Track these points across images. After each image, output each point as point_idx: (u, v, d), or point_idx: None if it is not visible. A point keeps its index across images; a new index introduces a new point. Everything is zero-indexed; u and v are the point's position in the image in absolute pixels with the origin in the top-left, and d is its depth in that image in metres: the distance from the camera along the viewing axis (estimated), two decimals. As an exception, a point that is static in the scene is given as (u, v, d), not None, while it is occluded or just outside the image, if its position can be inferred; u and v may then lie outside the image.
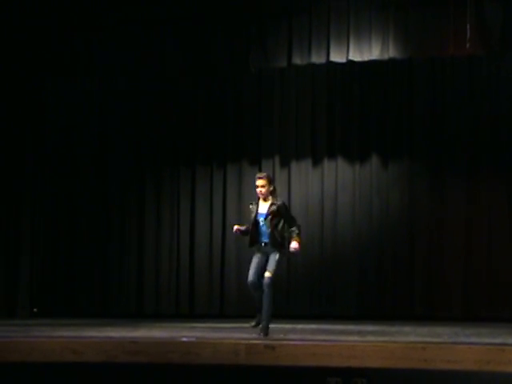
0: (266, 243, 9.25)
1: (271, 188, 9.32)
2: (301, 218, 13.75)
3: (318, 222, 13.77)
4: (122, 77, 13.78)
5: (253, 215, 9.30)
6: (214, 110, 14.36)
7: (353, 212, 13.73)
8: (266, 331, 9.12)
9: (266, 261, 9.24)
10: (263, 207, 9.30)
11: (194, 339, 8.57)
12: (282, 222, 9.30)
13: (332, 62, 12.34)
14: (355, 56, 12.07)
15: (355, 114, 13.86)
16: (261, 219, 9.26)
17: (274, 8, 12.45)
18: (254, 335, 9.13)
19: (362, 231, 13.66)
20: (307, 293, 13.68)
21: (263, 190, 9.26)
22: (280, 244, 9.27)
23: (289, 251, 9.31)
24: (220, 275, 14.09)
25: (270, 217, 9.22)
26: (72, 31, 13.05)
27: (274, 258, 9.18)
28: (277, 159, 14.10)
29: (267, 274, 9.10)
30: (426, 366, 7.47)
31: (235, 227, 9.58)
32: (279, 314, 10.24)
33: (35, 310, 14.29)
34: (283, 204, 9.37)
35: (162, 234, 14.41)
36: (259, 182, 9.30)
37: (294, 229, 9.29)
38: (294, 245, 9.20)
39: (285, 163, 14.08)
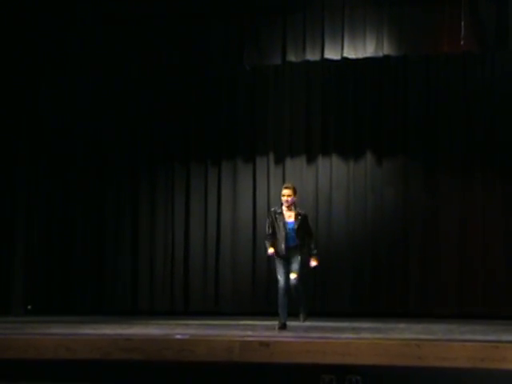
0: (290, 248, 9.83)
1: (295, 198, 9.98)
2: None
3: (312, 220, 13.68)
4: (116, 75, 13.76)
5: (281, 223, 9.88)
6: (208, 108, 14.36)
7: (347, 209, 13.74)
8: (306, 317, 10.20)
9: (288, 264, 9.89)
10: (288, 215, 9.93)
11: (188, 336, 8.57)
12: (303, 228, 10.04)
13: (326, 60, 12.36)
14: (350, 53, 12.10)
15: (349, 111, 13.87)
16: (289, 227, 9.88)
17: (268, 5, 12.45)
18: (248, 332, 9.14)
19: (357, 228, 13.67)
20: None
21: (289, 198, 9.91)
22: (302, 247, 9.98)
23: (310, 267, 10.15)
24: (215, 272, 14.09)
25: (298, 225, 9.90)
26: (65, 28, 13.05)
27: (298, 260, 9.85)
28: (271, 156, 14.11)
29: (293, 276, 9.82)
30: (420, 364, 7.47)
31: (271, 251, 9.98)
32: (274, 312, 10.26)
33: (29, 307, 14.29)
34: (306, 215, 10.13)
35: (156, 231, 14.41)
36: (286, 192, 9.95)
37: (312, 246, 10.09)
38: (313, 263, 10.04)
39: (279, 160, 14.08)
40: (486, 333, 9.46)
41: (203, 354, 7.90)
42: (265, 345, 7.81)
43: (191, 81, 14.33)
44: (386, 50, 12.01)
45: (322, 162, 13.93)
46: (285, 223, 9.85)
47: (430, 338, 8.52)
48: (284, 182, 13.93)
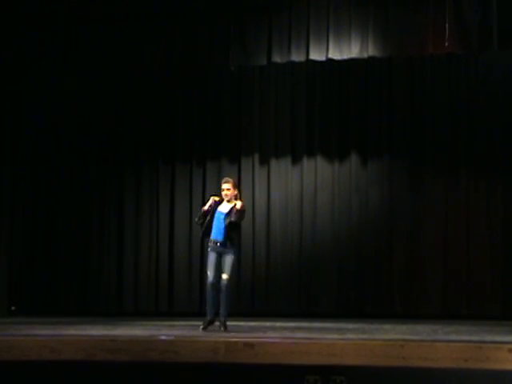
0: (221, 242, 9.88)
1: (235, 192, 10.05)
2: (280, 216, 13.85)
3: (297, 220, 13.79)
4: (101, 75, 13.73)
5: (217, 213, 9.94)
6: (193, 108, 14.35)
7: (332, 210, 13.75)
8: (225, 326, 9.71)
9: (221, 260, 9.88)
10: (225, 207, 9.98)
11: (172, 337, 8.56)
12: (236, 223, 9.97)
13: (311, 61, 12.36)
14: (335, 54, 12.10)
15: (334, 112, 13.89)
16: (221, 216, 9.92)
17: (253, 6, 12.45)
18: (233, 333, 9.14)
19: (342, 229, 13.69)
20: (286, 291, 13.68)
21: (228, 192, 10.02)
22: (234, 244, 9.95)
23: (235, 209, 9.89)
24: (199, 273, 14.05)
25: (229, 216, 9.90)
26: (49, 27, 13.00)
27: (230, 259, 9.87)
28: (256, 157, 14.11)
29: (225, 277, 9.81)
30: (404, 364, 7.49)
31: (209, 205, 10.01)
32: (259, 313, 10.26)
33: (13, 308, 14.23)
34: (242, 206, 9.95)
35: (141, 231, 14.38)
36: (225, 186, 10.05)
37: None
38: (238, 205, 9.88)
39: (264, 161, 14.08)
40: (469, 333, 9.50)
41: (188, 355, 7.90)
42: (249, 345, 7.81)
43: (176, 81, 14.31)
44: (371, 51, 12.02)
45: (306, 163, 13.95)
46: (215, 211, 9.96)
47: (414, 339, 8.55)
48: (269, 182, 14.00)
